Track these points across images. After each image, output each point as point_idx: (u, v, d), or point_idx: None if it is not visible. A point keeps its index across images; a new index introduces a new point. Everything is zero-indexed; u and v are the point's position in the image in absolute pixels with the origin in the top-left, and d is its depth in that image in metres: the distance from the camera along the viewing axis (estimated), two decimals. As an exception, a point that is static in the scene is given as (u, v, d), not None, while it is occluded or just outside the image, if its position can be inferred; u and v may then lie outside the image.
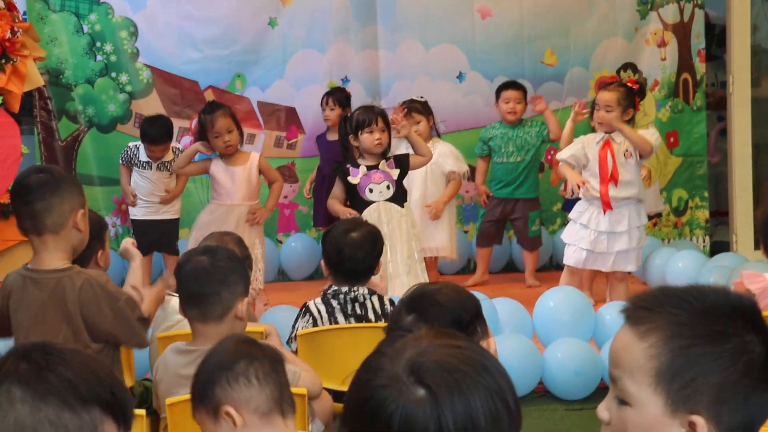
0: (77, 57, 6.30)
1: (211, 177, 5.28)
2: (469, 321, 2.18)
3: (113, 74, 6.34)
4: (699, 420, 1.30)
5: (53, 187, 2.82)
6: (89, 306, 2.82)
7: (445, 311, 2.17)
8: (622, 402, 1.35)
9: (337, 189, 4.98)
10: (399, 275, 4.82)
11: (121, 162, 5.92)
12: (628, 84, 5.29)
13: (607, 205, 5.11)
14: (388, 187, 4.92)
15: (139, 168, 5.83)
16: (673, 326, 1.31)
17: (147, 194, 5.83)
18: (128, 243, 3.21)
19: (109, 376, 1.26)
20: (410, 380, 1.17)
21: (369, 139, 4.90)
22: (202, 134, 5.26)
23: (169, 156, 5.81)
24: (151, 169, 5.80)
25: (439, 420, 1.14)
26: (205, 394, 2.15)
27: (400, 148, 5.47)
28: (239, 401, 2.12)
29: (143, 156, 5.81)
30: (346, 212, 4.86)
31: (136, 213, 5.87)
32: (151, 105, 6.38)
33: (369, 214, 4.82)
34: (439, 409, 1.15)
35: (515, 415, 1.21)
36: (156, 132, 5.74)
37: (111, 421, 1.23)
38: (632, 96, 5.16)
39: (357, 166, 4.94)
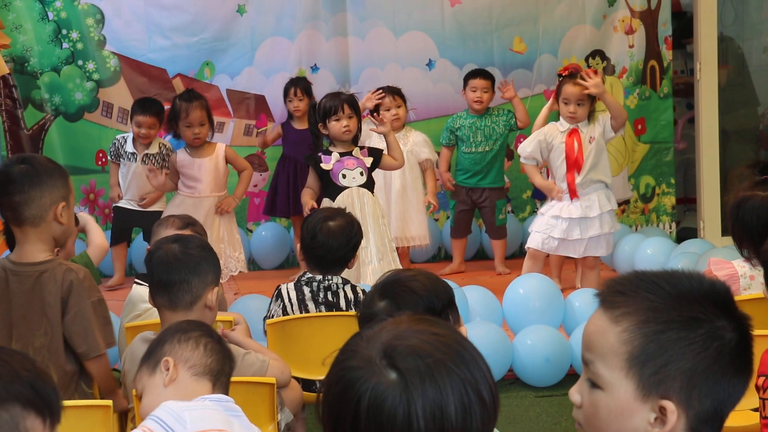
0: (43, 44, 6.23)
1: (179, 172, 5.24)
2: (441, 309, 2.19)
3: (80, 62, 6.28)
4: (669, 405, 1.31)
5: (33, 179, 2.79)
6: (71, 303, 2.80)
7: (418, 299, 2.17)
8: (594, 385, 1.36)
9: (311, 178, 4.97)
10: (371, 261, 4.82)
11: (110, 157, 5.87)
12: (589, 73, 5.27)
13: (573, 192, 5.16)
14: (361, 174, 4.93)
15: (124, 159, 5.77)
16: (647, 311, 1.33)
17: (135, 189, 5.77)
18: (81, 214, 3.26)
19: (30, 371, 1.24)
20: (383, 363, 1.17)
21: (337, 126, 4.90)
22: (172, 117, 5.22)
23: (154, 148, 5.74)
24: (136, 161, 5.74)
25: (408, 405, 1.14)
26: (153, 352, 2.29)
27: (371, 138, 5.47)
28: (180, 357, 2.26)
29: (129, 147, 5.76)
30: (308, 206, 4.82)
31: (121, 201, 5.82)
32: (119, 93, 6.32)
33: (342, 200, 4.83)
34: (409, 395, 1.14)
35: (489, 408, 1.20)
36: (147, 103, 5.74)
37: (34, 415, 1.21)
38: None
39: (329, 153, 4.94)
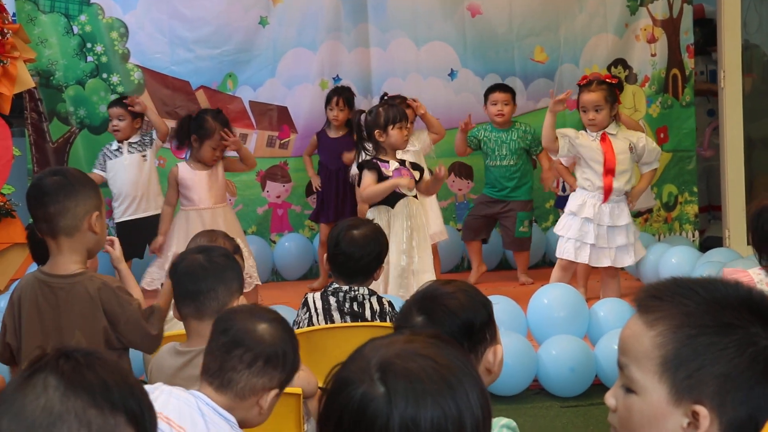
0: (68, 58, 6.29)
1: (179, 185, 5.24)
2: (479, 328, 2.14)
3: (104, 75, 6.33)
4: (702, 410, 1.30)
5: (67, 190, 2.82)
6: (108, 310, 2.83)
7: (455, 318, 2.10)
8: (629, 390, 1.37)
9: (368, 179, 4.92)
10: (426, 270, 4.85)
11: (94, 169, 5.79)
12: (607, 80, 5.32)
13: (608, 193, 5.16)
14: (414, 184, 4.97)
15: (111, 158, 5.76)
16: (682, 316, 1.33)
17: (132, 186, 5.76)
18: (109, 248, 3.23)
19: (142, 392, 1.30)
20: (375, 376, 1.27)
21: (398, 134, 4.92)
22: (198, 133, 5.23)
23: (135, 138, 5.79)
24: (123, 153, 5.76)
25: (387, 418, 1.24)
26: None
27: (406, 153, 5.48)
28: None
29: (113, 145, 5.79)
30: (404, 180, 4.83)
31: (116, 215, 5.78)
32: (143, 105, 6.36)
33: (400, 208, 4.89)
34: (390, 410, 1.24)
35: None
36: (116, 101, 5.86)
37: None
38: (614, 91, 5.23)
39: (386, 162, 4.96)
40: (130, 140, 5.79)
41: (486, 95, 6.16)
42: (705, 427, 1.31)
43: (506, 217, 6.11)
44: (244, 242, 5.30)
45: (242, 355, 2.23)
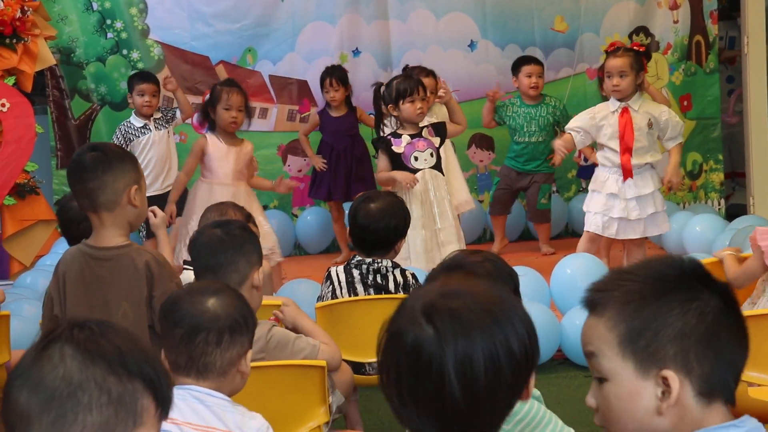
0: (88, 35, 6.30)
1: (205, 154, 5.16)
2: None
3: (124, 51, 6.34)
4: (669, 373, 1.35)
5: (105, 164, 2.84)
6: (154, 283, 2.85)
7: None
8: (601, 380, 1.41)
9: (382, 162, 4.94)
10: (451, 242, 4.84)
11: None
12: (634, 48, 5.26)
13: (628, 173, 5.07)
14: (431, 155, 4.94)
15: (139, 136, 5.76)
16: (625, 295, 1.40)
17: (159, 162, 5.77)
18: (152, 216, 3.30)
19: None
20: (422, 319, 1.33)
21: (411, 108, 4.90)
22: (211, 103, 5.21)
23: (157, 114, 5.81)
24: (150, 131, 5.76)
25: (441, 357, 1.30)
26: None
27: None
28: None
29: (138, 122, 5.77)
30: (407, 176, 4.81)
31: (150, 191, 5.80)
32: (163, 81, 6.37)
33: (417, 182, 4.86)
34: (442, 348, 1.30)
35: (520, 361, 1.33)
36: (145, 74, 5.86)
37: (151, 398, 1.27)
38: (641, 59, 5.14)
39: (398, 136, 4.94)
40: (154, 116, 5.81)
41: (517, 67, 6.08)
42: (677, 390, 1.34)
43: (530, 187, 6.09)
44: (265, 219, 5.30)
45: (207, 338, 2.18)
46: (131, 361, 1.25)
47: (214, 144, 5.15)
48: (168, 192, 5.61)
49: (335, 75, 6.03)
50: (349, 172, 6.07)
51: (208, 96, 5.29)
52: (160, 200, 5.71)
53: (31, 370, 1.23)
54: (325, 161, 6.11)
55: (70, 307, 2.89)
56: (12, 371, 1.27)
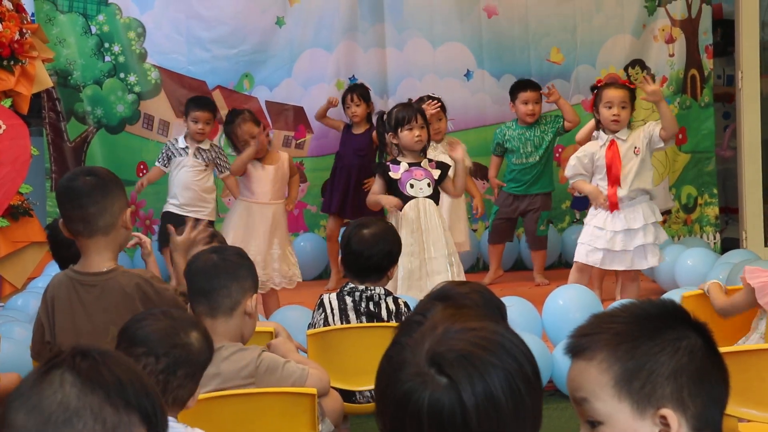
0: (85, 58, 6.32)
1: (245, 176, 5.25)
2: None
3: (121, 75, 6.36)
4: (668, 412, 1.35)
5: (103, 189, 2.83)
6: (147, 302, 2.83)
7: None
8: (594, 424, 1.40)
9: (377, 186, 4.97)
10: (441, 272, 4.84)
11: (158, 162, 5.79)
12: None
13: (614, 206, 5.11)
14: (428, 185, 4.94)
15: (175, 157, 5.71)
16: (614, 337, 1.40)
17: (182, 187, 5.70)
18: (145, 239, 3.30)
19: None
20: (432, 371, 1.25)
21: (409, 136, 4.92)
22: (234, 147, 5.30)
23: (206, 144, 5.74)
24: (187, 155, 5.70)
25: (462, 404, 1.23)
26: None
27: (435, 154, 5.45)
28: None
29: (182, 143, 5.73)
30: (392, 200, 4.86)
31: (170, 206, 5.73)
32: (160, 105, 6.39)
33: (409, 209, 4.86)
34: (460, 395, 1.23)
35: (534, 384, 1.29)
36: (203, 100, 5.83)
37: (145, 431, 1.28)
38: (634, 95, 5.22)
39: (398, 163, 4.96)
40: (201, 145, 5.73)
41: (514, 93, 6.12)
42: (675, 428, 1.35)
43: (529, 212, 6.08)
44: (288, 240, 5.36)
45: (190, 334, 2.29)
46: (130, 393, 1.26)
47: (253, 166, 5.21)
48: (179, 215, 5.53)
49: (357, 91, 6.11)
50: (353, 191, 6.10)
51: (225, 120, 5.36)
52: (178, 220, 5.68)
53: (31, 392, 1.25)
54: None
55: (58, 333, 2.87)
56: (12, 392, 1.28)
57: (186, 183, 5.70)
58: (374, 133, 6.04)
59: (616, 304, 1.52)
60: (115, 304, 2.82)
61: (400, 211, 4.84)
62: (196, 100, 5.86)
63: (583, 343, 1.42)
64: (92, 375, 1.26)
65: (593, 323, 1.44)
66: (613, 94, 5.11)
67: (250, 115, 5.33)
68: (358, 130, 6.12)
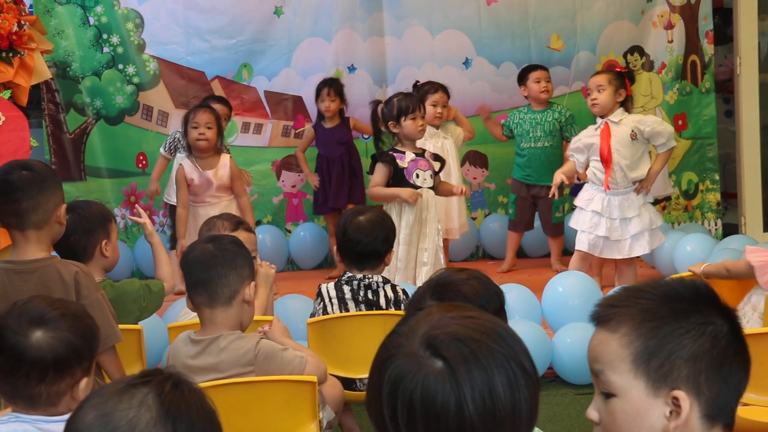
0: (84, 49, 6.31)
1: (184, 182, 5.20)
2: (492, 314, 2.14)
3: (120, 66, 6.36)
4: (681, 394, 1.36)
5: (39, 185, 2.83)
6: (81, 291, 2.84)
7: (469, 303, 2.14)
8: (608, 395, 1.41)
9: (379, 176, 4.91)
10: (427, 264, 4.86)
11: (163, 150, 5.81)
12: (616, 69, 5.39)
13: (606, 184, 5.15)
14: (431, 176, 4.95)
15: (181, 152, 5.68)
16: (641, 313, 1.41)
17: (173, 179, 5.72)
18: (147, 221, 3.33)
19: None
20: (427, 354, 1.21)
21: (412, 125, 4.92)
22: (183, 125, 5.26)
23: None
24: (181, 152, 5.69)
25: (458, 391, 1.19)
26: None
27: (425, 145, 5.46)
28: None
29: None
30: (411, 192, 4.82)
31: (173, 199, 5.67)
32: (159, 96, 6.39)
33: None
34: (457, 381, 1.19)
35: (532, 376, 1.26)
36: (219, 98, 5.78)
37: None
38: (622, 77, 5.21)
39: (402, 152, 4.95)
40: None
41: (524, 75, 6.08)
42: (686, 411, 1.36)
43: (543, 201, 6.05)
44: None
45: (29, 373, 2.05)
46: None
47: (190, 169, 5.18)
48: (168, 204, 5.60)
49: (333, 86, 6.08)
50: (346, 180, 6.09)
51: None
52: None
53: (110, 399, 1.27)
54: (319, 179, 6.13)
55: None
56: (98, 390, 1.31)
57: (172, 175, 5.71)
58: (354, 123, 6.07)
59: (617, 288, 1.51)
60: (53, 291, 2.79)
61: (417, 199, 4.82)
62: (206, 98, 5.85)
63: (609, 313, 1.43)
64: (172, 407, 1.27)
65: (622, 295, 1.45)
66: (590, 81, 5.26)
67: (214, 112, 5.26)
68: (329, 125, 6.09)
